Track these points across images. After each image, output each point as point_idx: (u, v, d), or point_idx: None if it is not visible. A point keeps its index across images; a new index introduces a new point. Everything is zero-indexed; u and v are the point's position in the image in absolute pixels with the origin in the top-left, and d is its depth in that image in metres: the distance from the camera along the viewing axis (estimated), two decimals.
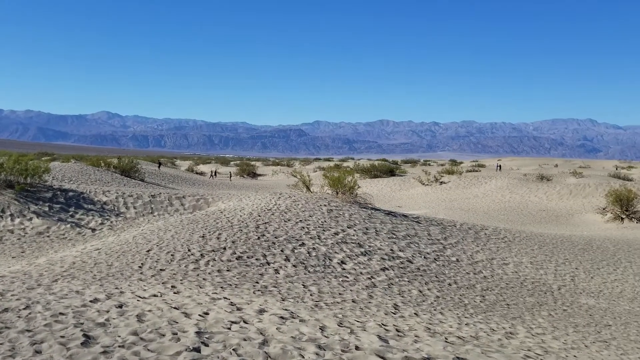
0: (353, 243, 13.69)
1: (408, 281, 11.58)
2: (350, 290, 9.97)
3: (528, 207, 34.17)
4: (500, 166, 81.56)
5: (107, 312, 5.91)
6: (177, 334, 5.08)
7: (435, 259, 14.04)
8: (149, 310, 6.00)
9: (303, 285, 9.68)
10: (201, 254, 11.06)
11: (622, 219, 27.91)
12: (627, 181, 44.06)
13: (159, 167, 60.83)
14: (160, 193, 20.72)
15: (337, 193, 19.63)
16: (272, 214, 15.42)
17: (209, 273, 9.75)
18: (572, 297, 12.53)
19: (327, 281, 10.39)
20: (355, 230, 14.94)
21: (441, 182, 45.09)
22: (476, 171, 66.35)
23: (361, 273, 11.54)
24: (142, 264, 10.19)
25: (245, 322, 5.82)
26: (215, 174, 64.64)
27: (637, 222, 27.39)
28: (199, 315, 5.95)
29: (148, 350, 4.64)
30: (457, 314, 9.38)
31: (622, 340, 9.32)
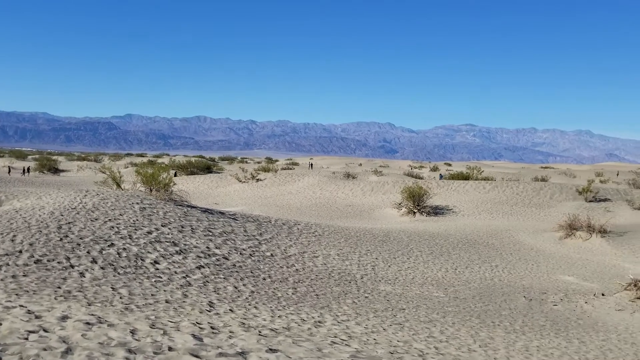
0: (167, 242, 13.33)
1: (224, 278, 11.65)
2: (164, 290, 9.72)
3: (336, 203, 36.52)
4: (312, 164, 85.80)
5: None
6: None
7: (251, 254, 14.33)
8: None
9: (112, 288, 9.18)
10: None
11: (414, 212, 31.39)
12: (419, 179, 49.60)
13: None
14: None
15: (151, 190, 18.90)
16: (77, 213, 14.29)
17: (2, 279, 8.71)
18: (372, 285, 13.78)
19: (139, 282, 9.99)
20: (170, 229, 14.55)
21: (257, 180, 45.95)
22: (290, 169, 68.87)
23: (176, 272, 11.31)
24: None
25: (45, 330, 5.36)
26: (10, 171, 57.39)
27: (426, 216, 31.01)
28: None
29: None
30: (271, 307, 9.72)
31: (413, 322, 10.53)
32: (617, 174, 75.58)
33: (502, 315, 12.15)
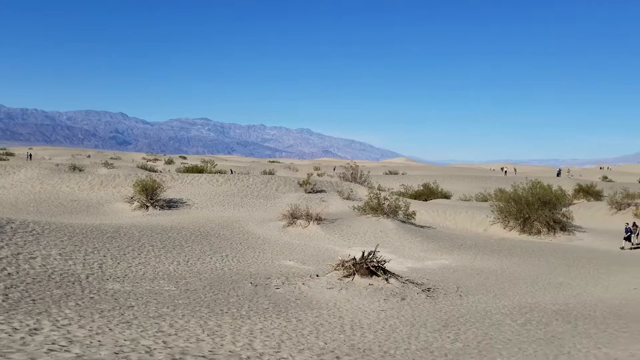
0: None
1: None
2: None
3: (60, 198, 33.37)
4: (30, 155, 77.10)
5: None
6: None
7: None
8: None
9: None
10: None
11: (148, 206, 30.65)
12: (153, 172, 48.54)
13: None
14: None
15: None
16: None
17: None
18: (99, 284, 13.10)
19: None
20: None
21: None
22: (4, 160, 60.81)
23: None
24: None
25: None
26: None
27: (159, 209, 30.57)
28: None
29: None
30: None
31: (142, 319, 10.39)
32: (334, 169, 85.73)
33: (230, 302, 12.84)
